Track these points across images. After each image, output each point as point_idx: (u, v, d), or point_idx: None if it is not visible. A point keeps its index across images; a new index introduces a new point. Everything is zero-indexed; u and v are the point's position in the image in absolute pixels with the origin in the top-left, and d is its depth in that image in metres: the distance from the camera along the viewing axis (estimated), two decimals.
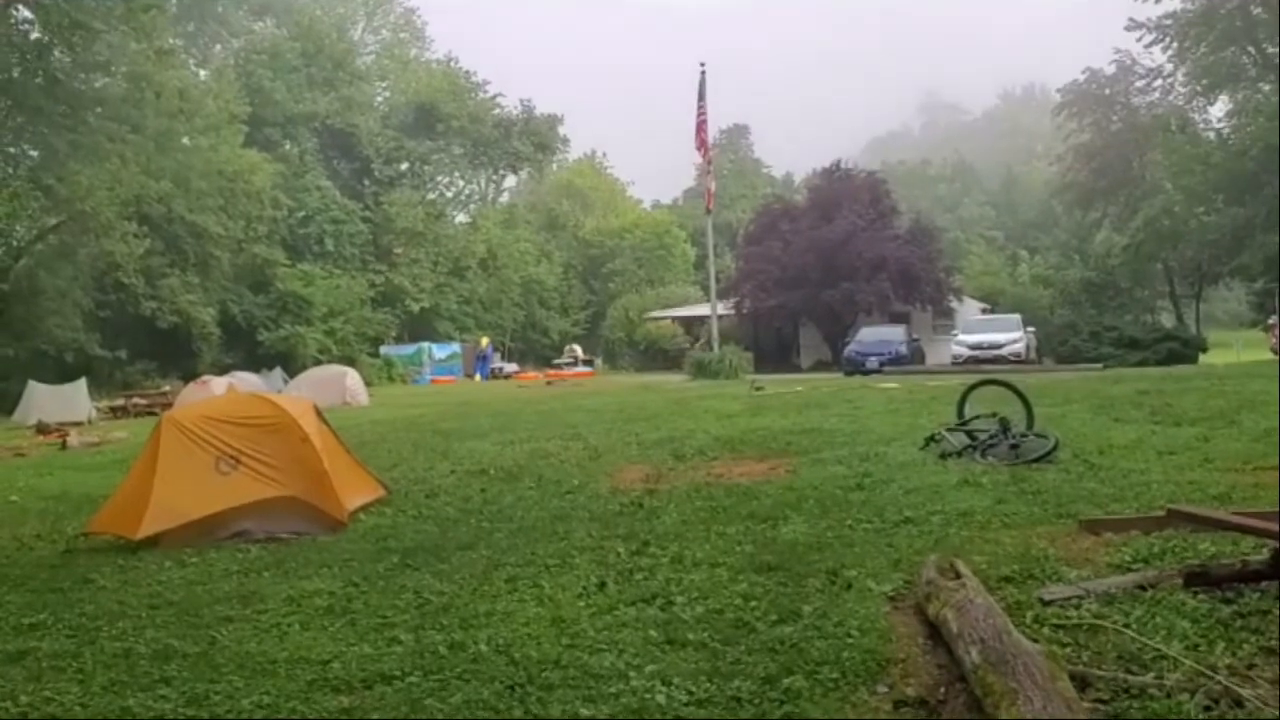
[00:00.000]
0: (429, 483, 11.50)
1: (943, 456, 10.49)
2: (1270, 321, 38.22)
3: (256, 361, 39.22)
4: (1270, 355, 39.12)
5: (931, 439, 11.16)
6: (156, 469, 9.15)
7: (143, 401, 30.49)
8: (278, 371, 37.12)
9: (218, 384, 27.46)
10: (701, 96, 35.43)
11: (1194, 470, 9.00)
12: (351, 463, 10.50)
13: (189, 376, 33.18)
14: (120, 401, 30.59)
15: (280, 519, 9.09)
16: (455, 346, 50.48)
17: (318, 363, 38.46)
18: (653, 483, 10.31)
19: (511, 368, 50.17)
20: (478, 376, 47.27)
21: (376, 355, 46.08)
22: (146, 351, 38.12)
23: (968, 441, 10.77)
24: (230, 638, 5.82)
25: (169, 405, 27.37)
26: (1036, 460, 9.78)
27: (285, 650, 5.52)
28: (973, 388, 12.30)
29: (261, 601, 6.58)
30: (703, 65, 36.00)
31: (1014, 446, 10.23)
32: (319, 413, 10.40)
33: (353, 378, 30.16)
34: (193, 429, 9.44)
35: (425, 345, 49.18)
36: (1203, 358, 38.96)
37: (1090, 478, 8.90)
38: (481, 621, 5.76)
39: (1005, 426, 10.64)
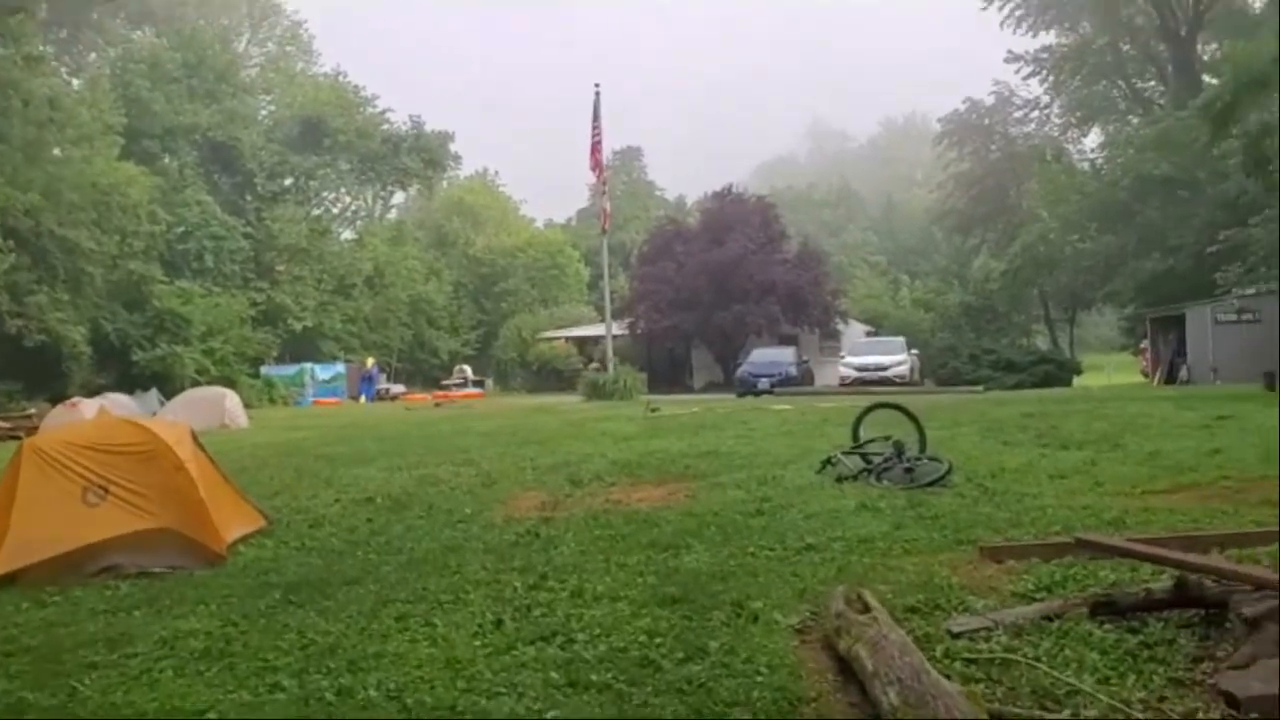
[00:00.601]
0: (312, 512, 11.01)
1: (839, 480, 10.48)
2: (1142, 346, 39.75)
3: (131, 382, 37.59)
4: (1141, 378, 40.78)
5: (828, 462, 11.15)
6: (15, 500, 8.51)
7: (5, 425, 28.78)
8: (153, 393, 35.63)
9: (88, 406, 26.17)
10: (596, 117, 35.38)
11: (1085, 494, 9.14)
12: (230, 491, 9.98)
13: (57, 398, 31.54)
14: None
15: (153, 552, 8.53)
16: (339, 367, 49.26)
17: (195, 384, 37.05)
18: (549, 510, 10.05)
19: (398, 389, 49.15)
20: (363, 398, 46.21)
21: (257, 376, 44.59)
22: (10, 372, 36.13)
23: (863, 465, 10.80)
24: (94, 687, 5.35)
25: (34, 429, 25.94)
26: (931, 484, 9.83)
27: (156, 700, 5.08)
28: (867, 411, 12.36)
29: (131, 645, 6.10)
30: (597, 86, 36.05)
31: (908, 470, 10.27)
32: (195, 438, 9.85)
33: (232, 400, 29.06)
34: (57, 456, 8.83)
35: (308, 366, 47.87)
36: (1077, 380, 40.33)
37: (985, 502, 8.95)
38: (371, 664, 5.42)
39: (900, 450, 10.68)
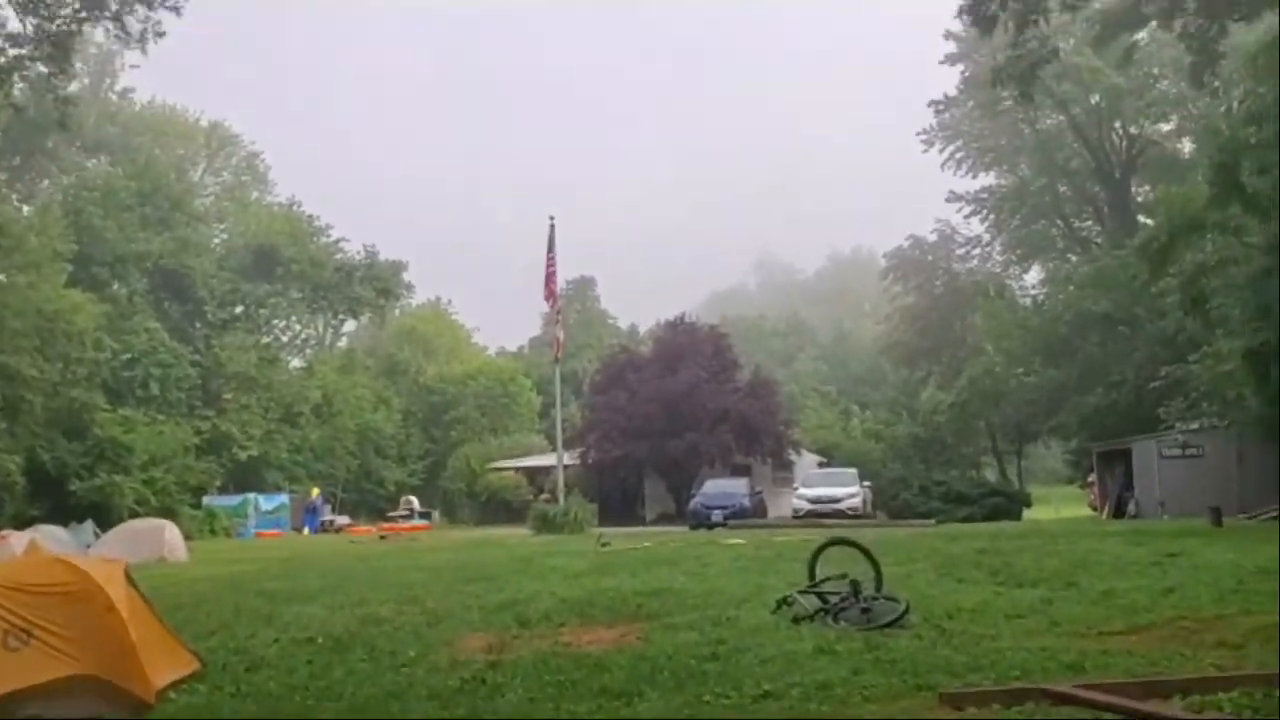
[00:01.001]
0: (250, 653, 10.55)
1: (795, 620, 10.26)
2: (1089, 479, 40.15)
3: (66, 513, 36.37)
4: (1089, 511, 41.07)
5: (784, 601, 10.93)
6: None
7: None
8: (89, 525, 34.44)
9: (17, 540, 25.21)
10: (551, 248, 35.80)
11: (1042, 635, 9.01)
12: (163, 632, 9.53)
13: None
14: None
15: (78, 701, 8.08)
16: (284, 498, 48.21)
17: (134, 514, 36.09)
18: (496, 653, 9.70)
19: (343, 520, 48.11)
20: (306, 530, 45.21)
21: (199, 506, 43.52)
22: None
23: (820, 604, 10.59)
24: None
25: None
26: (888, 625, 9.65)
27: None
28: (823, 548, 12.19)
29: None
30: (552, 218, 36.55)
31: (865, 610, 10.08)
32: (129, 576, 9.46)
33: (171, 531, 28.25)
34: None
35: (251, 496, 46.81)
36: (1026, 513, 40.52)
37: (943, 644, 8.78)
38: None
39: (856, 589, 10.51)
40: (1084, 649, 8.28)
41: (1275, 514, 24.77)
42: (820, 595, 10.88)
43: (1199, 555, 14.18)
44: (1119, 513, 33.65)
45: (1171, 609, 9.97)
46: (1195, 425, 29.95)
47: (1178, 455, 31.12)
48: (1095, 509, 38.93)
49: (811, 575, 11.71)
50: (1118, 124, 49.22)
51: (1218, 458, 29.77)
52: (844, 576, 11.11)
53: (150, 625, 9.20)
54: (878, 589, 10.93)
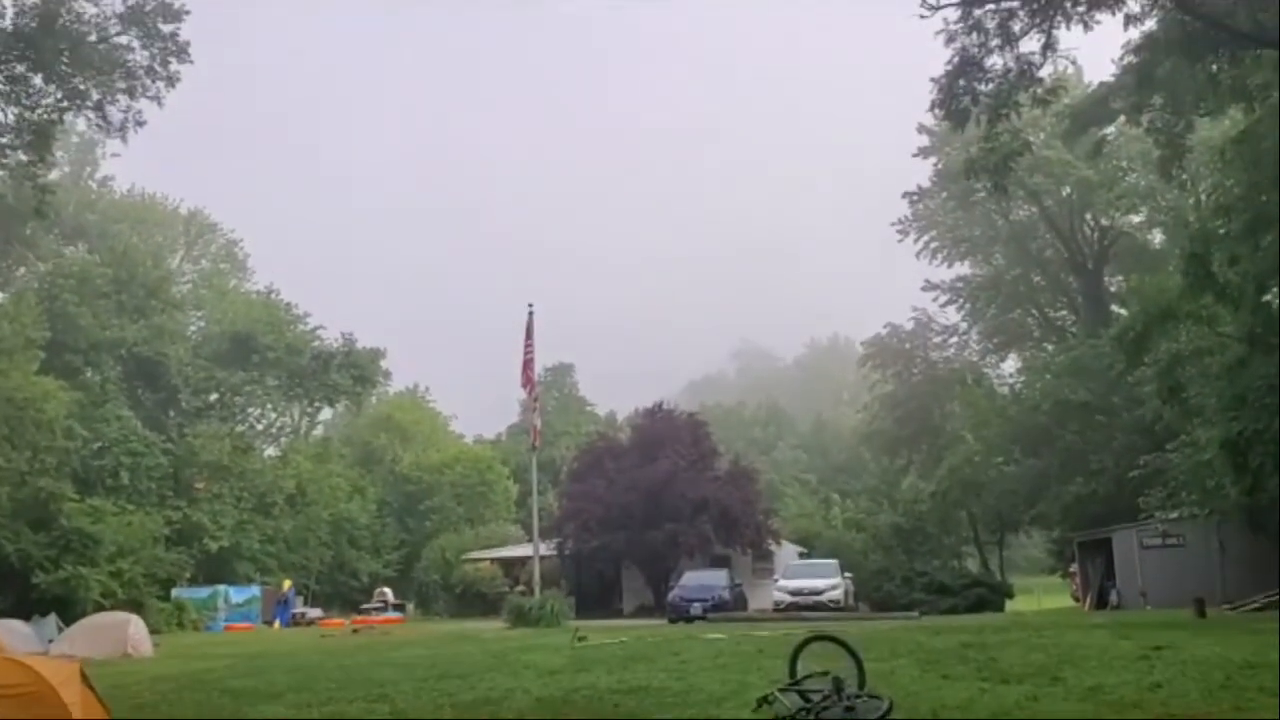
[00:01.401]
0: None
1: None
2: (1071, 569, 39.84)
3: (28, 606, 35.40)
4: (1072, 601, 40.69)
5: (764, 700, 10.57)
6: None
7: None
8: (51, 618, 33.55)
9: None
10: (529, 335, 35.70)
11: None
12: None
13: None
14: None
15: None
16: (255, 590, 47.24)
17: (100, 607, 35.15)
18: None
19: (315, 613, 47.08)
20: (277, 623, 44.19)
21: (168, 599, 42.56)
22: None
23: (801, 703, 10.23)
24: None
25: None
26: None
27: None
28: (804, 644, 11.84)
29: None
30: (530, 306, 36.50)
31: (849, 709, 9.74)
32: (85, 677, 9.09)
33: (136, 625, 27.47)
34: None
35: (221, 588, 45.83)
36: (1009, 604, 40.15)
37: None
38: None
39: (839, 687, 10.15)
40: None
41: (1258, 605, 24.58)
42: (802, 693, 10.53)
43: (1186, 649, 13.93)
44: (1101, 603, 33.33)
45: (1160, 706, 9.72)
46: (1175, 514, 29.82)
47: (1158, 545, 30.95)
48: (1078, 599, 38.59)
49: (792, 672, 11.35)
50: (1089, 215, 50.05)
51: (1199, 547, 29.60)
52: (826, 673, 10.78)
53: None
54: (860, 686, 10.59)
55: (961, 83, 20.54)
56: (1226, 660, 12.46)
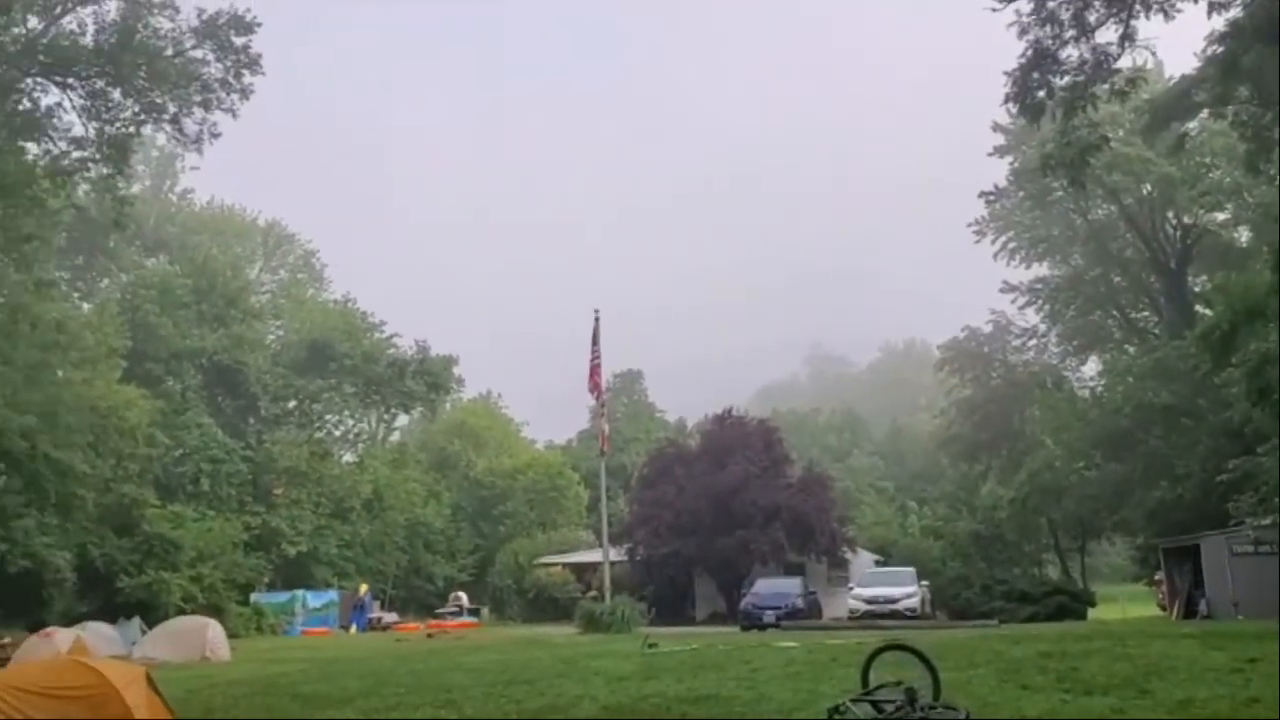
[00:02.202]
0: None
1: None
2: (1157, 577, 38.62)
3: (114, 610, 36.33)
4: (1158, 610, 39.43)
5: (836, 710, 10.27)
6: None
7: None
8: (135, 621, 34.43)
9: (63, 637, 25.25)
10: (595, 341, 35.66)
11: None
12: None
13: (36, 626, 30.39)
14: None
15: None
16: (332, 594, 47.79)
17: (181, 611, 35.91)
18: None
19: (391, 618, 47.51)
20: (354, 627, 44.68)
21: (246, 603, 43.27)
22: None
23: (874, 714, 9.93)
24: None
25: (6, 660, 24.93)
26: None
27: None
28: (877, 653, 11.51)
29: None
30: (597, 311, 36.45)
31: None
32: (151, 681, 9.14)
33: (214, 630, 28.00)
34: None
35: (299, 593, 46.47)
36: (1091, 612, 39.13)
37: None
38: None
39: (912, 697, 9.82)
40: None
41: None
42: (874, 704, 10.23)
43: None
44: (1190, 612, 32.19)
45: None
46: (1267, 521, 28.67)
47: (1250, 552, 29.74)
48: (1164, 608, 37.38)
49: (864, 681, 11.03)
50: (1171, 213, 48.55)
51: None
52: (899, 683, 10.45)
53: None
54: (935, 697, 10.24)
55: (1035, 76, 19.95)
56: None
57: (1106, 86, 20.13)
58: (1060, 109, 20.23)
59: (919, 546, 50.64)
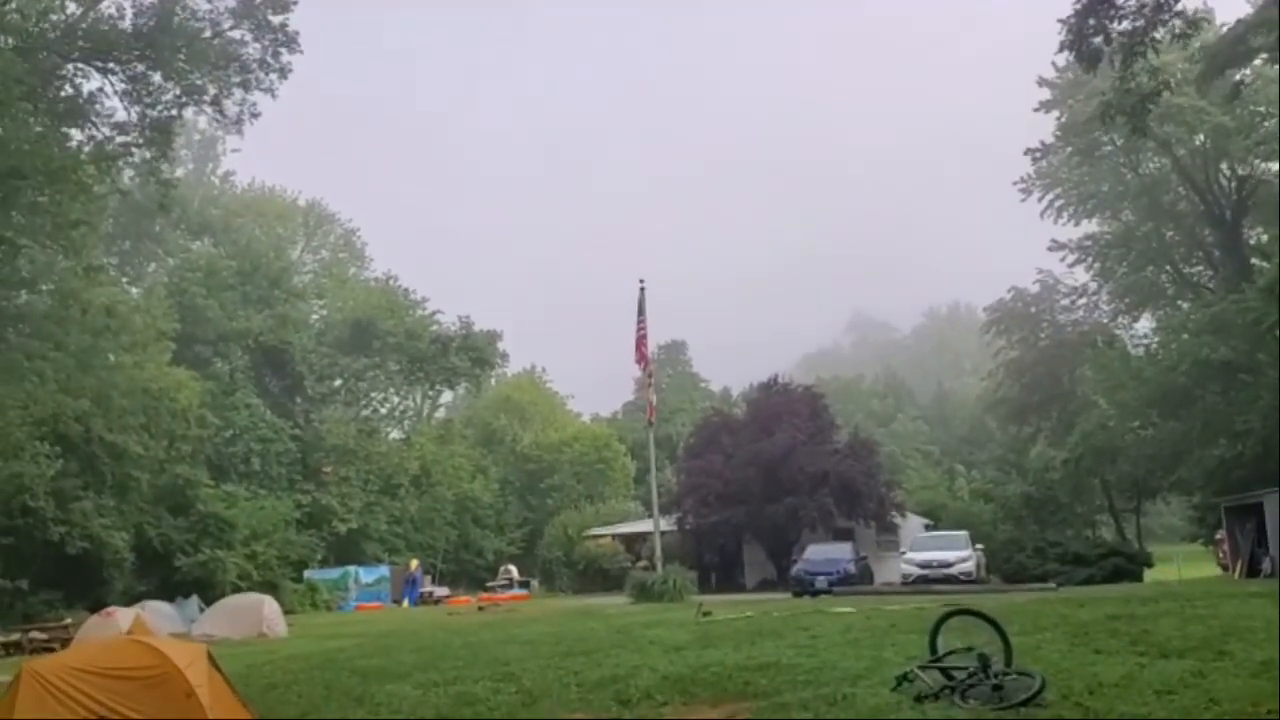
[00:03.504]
0: None
1: (918, 699, 9.40)
2: (1218, 536, 37.88)
3: (171, 589, 36.88)
4: (1218, 570, 38.73)
5: (904, 678, 10.05)
6: None
7: (41, 636, 28.04)
8: (193, 599, 34.94)
9: (124, 616, 25.54)
10: (641, 311, 35.40)
11: (1202, 716, 8.04)
12: (246, 716, 9.11)
13: (97, 606, 30.79)
14: (15, 637, 28.13)
15: None
16: (384, 569, 48.24)
17: (237, 589, 36.32)
18: None
19: (442, 592, 47.85)
20: (406, 602, 45.01)
21: (300, 580, 43.73)
22: (51, 580, 35.44)
23: (945, 681, 9.70)
24: None
25: (69, 640, 25.28)
26: (1023, 703, 8.76)
27: None
28: (945, 618, 11.26)
29: None
30: (642, 281, 36.17)
31: (997, 688, 9.18)
32: (212, 659, 9.08)
33: (270, 606, 28.28)
34: (57, 683, 8.11)
35: (351, 569, 46.92)
36: (1148, 573, 38.51)
37: None
38: None
39: (985, 664, 9.59)
40: None
41: None
42: (944, 671, 9.99)
43: None
44: (1253, 571, 31.54)
45: None
46: None
47: None
48: (1225, 568, 36.70)
49: (933, 648, 10.79)
50: (1225, 164, 47.23)
51: None
52: (969, 649, 10.19)
53: (232, 709, 8.80)
54: (1008, 663, 9.98)
55: (1092, 22, 19.28)
56: None
57: (1167, 28, 19.38)
58: (1119, 55, 19.55)
59: (968, 510, 50.08)
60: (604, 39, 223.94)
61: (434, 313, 60.30)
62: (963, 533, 37.35)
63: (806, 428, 43.74)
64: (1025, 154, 51.94)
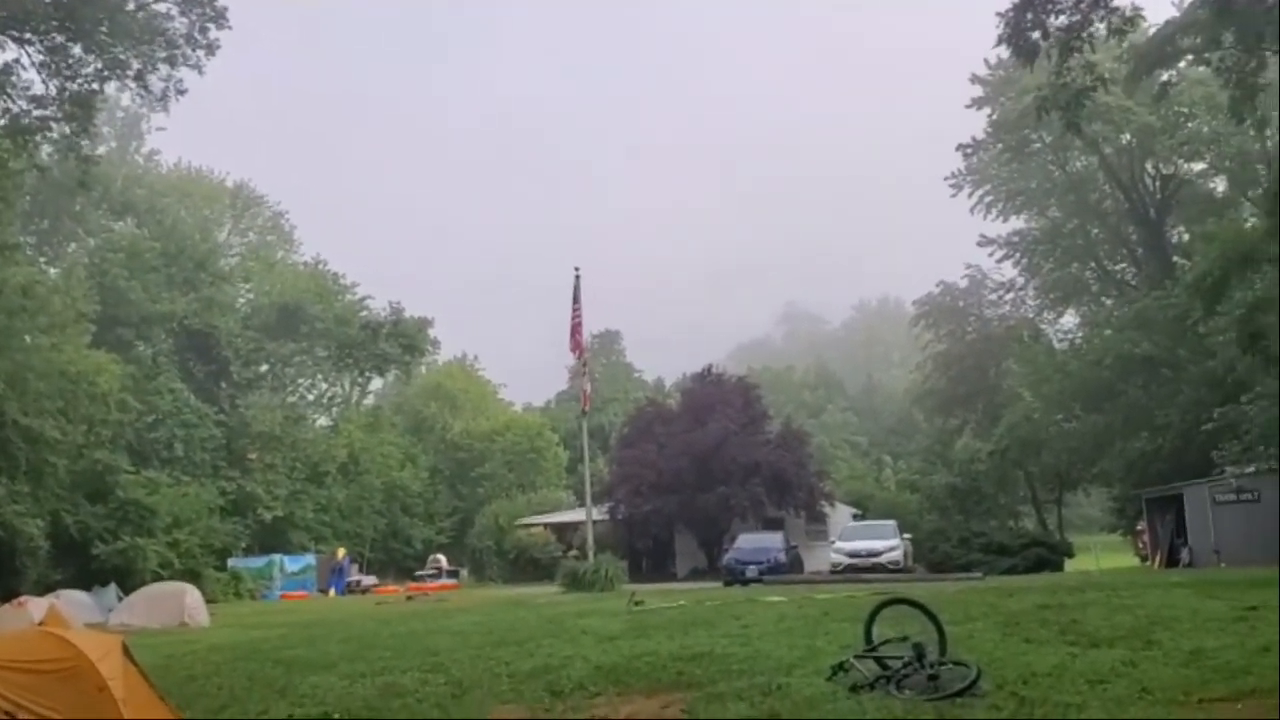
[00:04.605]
0: None
1: (854, 689, 9.34)
2: (1139, 527, 38.80)
3: (89, 577, 35.81)
4: (1136, 560, 39.68)
5: (840, 668, 9.99)
6: None
7: None
8: (111, 588, 33.94)
9: (37, 606, 24.59)
10: (576, 299, 35.09)
11: (1136, 705, 8.08)
12: (161, 710, 8.75)
13: (8, 596, 29.75)
14: None
15: None
16: (310, 558, 47.41)
17: (158, 577, 35.38)
18: None
19: (370, 581, 47.14)
20: (332, 591, 44.28)
21: (224, 568, 42.79)
22: None
23: (880, 671, 9.66)
24: None
25: None
26: (959, 693, 8.73)
27: None
28: (880, 608, 11.24)
29: None
30: (577, 269, 35.86)
31: (932, 677, 9.15)
32: (127, 651, 8.70)
33: (192, 596, 27.56)
34: None
35: (277, 557, 46.02)
36: (1069, 563, 39.31)
37: (1025, 717, 7.87)
38: None
39: (920, 654, 9.56)
40: None
41: None
42: (879, 660, 9.96)
43: None
44: (1172, 561, 32.35)
45: (1273, 671, 8.97)
46: (1250, 469, 28.70)
47: (1232, 500, 29.85)
48: (1144, 558, 37.62)
49: (868, 638, 10.76)
50: (1150, 164, 48.35)
51: (1275, 502, 28.52)
52: (904, 639, 10.17)
53: (148, 703, 8.44)
54: (942, 653, 9.97)
55: (1029, 16, 19.46)
56: None
57: (1104, 23, 19.59)
58: (1055, 49, 19.75)
59: (896, 500, 50.82)
60: (547, 28, 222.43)
61: (364, 298, 59.53)
62: (891, 522, 37.77)
63: (739, 418, 43.97)
64: (957, 150, 52.64)
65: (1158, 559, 34.00)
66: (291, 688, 12.24)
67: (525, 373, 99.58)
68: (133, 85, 31.17)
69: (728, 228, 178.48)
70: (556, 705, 9.95)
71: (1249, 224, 27.18)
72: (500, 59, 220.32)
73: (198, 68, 30.69)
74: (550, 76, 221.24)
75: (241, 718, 10.58)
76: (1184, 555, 31.48)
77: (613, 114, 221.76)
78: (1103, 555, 42.83)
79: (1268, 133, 38.73)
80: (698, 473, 41.08)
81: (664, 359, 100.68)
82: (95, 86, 30.11)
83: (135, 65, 30.24)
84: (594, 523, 37.42)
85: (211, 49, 30.54)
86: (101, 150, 50.76)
